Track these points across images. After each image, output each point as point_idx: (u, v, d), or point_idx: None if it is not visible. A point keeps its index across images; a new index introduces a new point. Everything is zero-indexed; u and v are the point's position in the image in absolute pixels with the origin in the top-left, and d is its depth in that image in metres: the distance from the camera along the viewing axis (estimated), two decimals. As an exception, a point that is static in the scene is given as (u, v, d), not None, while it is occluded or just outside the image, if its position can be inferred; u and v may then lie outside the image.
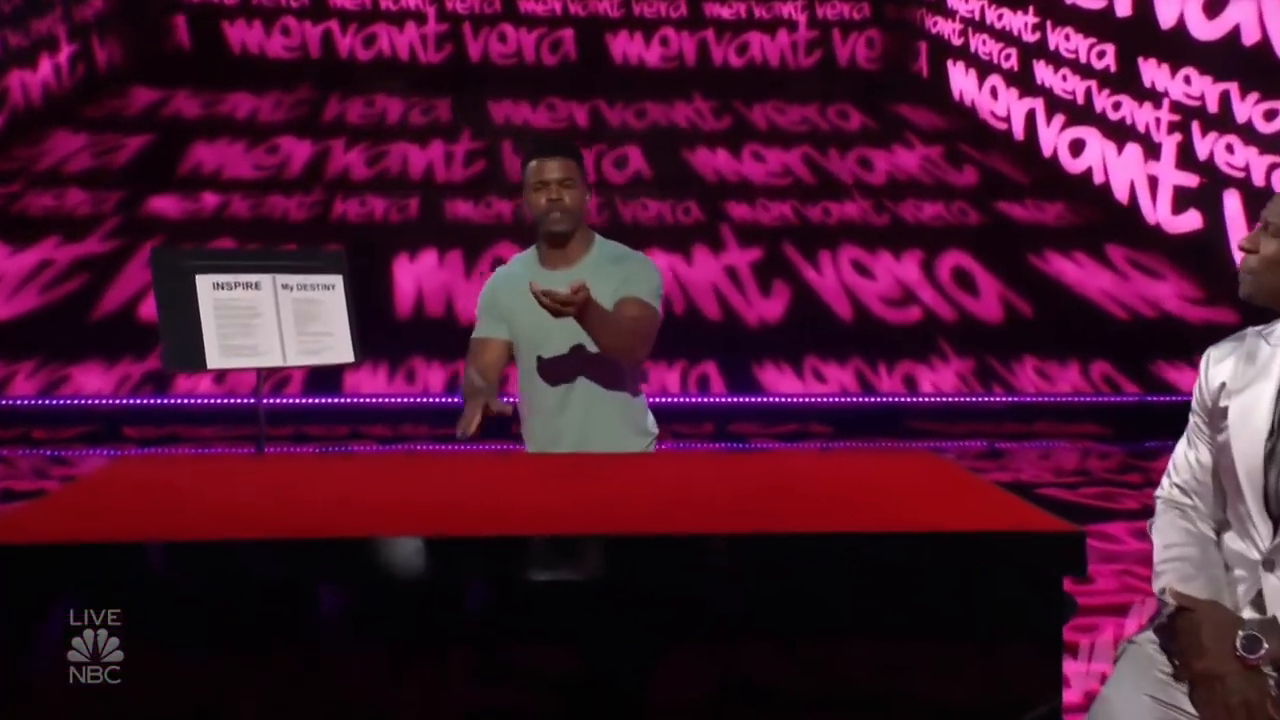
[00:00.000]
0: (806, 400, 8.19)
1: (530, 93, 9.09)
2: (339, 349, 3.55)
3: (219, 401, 7.83)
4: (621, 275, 3.04)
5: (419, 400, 8.04)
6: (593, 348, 2.98)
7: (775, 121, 9.09)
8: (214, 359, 3.32)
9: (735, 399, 8.22)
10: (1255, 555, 1.95)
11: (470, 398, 2.84)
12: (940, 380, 8.25)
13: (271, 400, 7.77)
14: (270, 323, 3.42)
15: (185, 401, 7.85)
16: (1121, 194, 8.62)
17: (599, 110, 9.07)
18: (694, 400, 8.20)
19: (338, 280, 3.59)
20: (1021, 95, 9.05)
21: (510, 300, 3.11)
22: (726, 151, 8.97)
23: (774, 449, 7.36)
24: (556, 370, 3.07)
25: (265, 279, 3.46)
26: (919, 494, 2.18)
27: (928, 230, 8.66)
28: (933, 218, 8.72)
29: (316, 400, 8.00)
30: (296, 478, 2.42)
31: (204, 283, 3.37)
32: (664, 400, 8.02)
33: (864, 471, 2.55)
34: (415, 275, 8.45)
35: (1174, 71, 8.30)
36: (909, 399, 8.16)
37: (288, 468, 2.76)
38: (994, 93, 9.19)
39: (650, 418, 3.21)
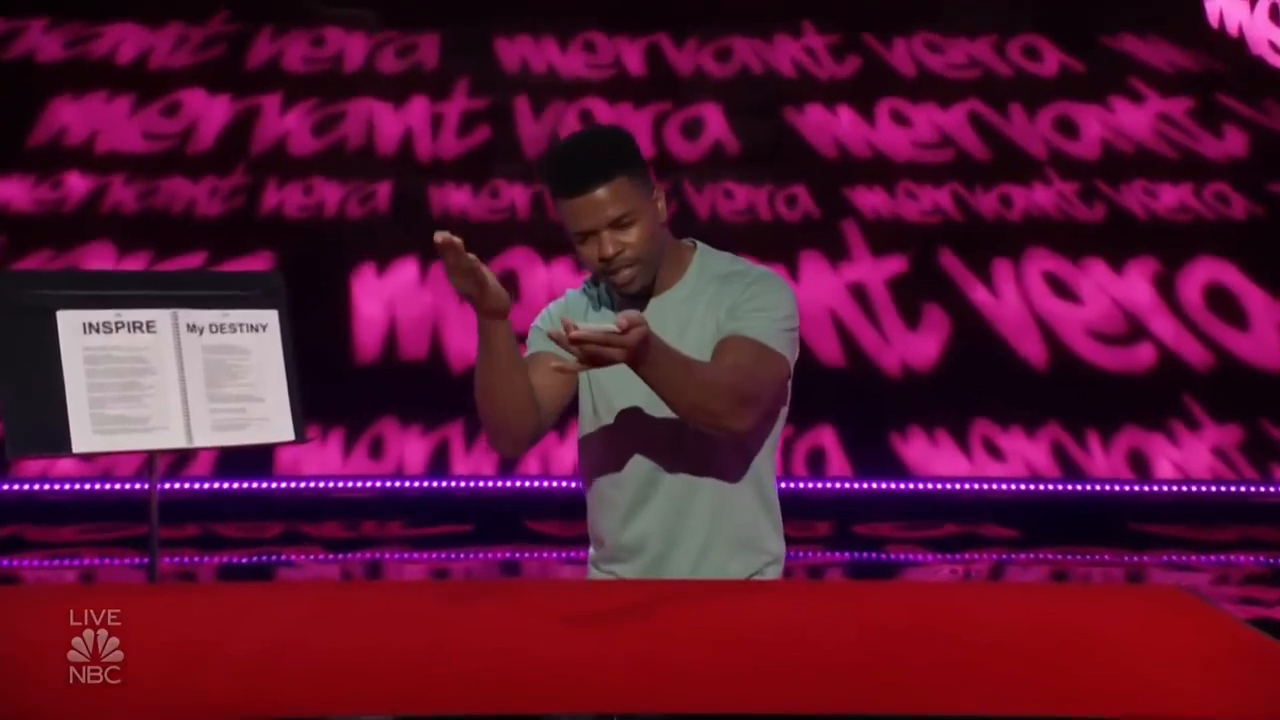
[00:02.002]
0: (975, 488, 8.10)
1: (557, 25, 9.13)
2: (272, 421, 3.53)
3: (88, 488, 7.86)
4: (729, 301, 3.05)
5: (389, 485, 8.03)
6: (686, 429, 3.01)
7: (926, 65, 9.05)
8: (82, 438, 3.30)
9: (864, 485, 8.16)
10: None
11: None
12: (1188, 459, 8.18)
13: (169, 485, 7.79)
14: (169, 383, 3.41)
15: (35, 488, 7.88)
16: None
17: (660, 51, 9.09)
18: (802, 486, 8.14)
19: (271, 317, 3.58)
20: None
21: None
22: (852, 111, 8.94)
23: (922, 564, 7.27)
24: (638, 443, 3.10)
25: (162, 317, 3.45)
26: (1160, 660, 2.13)
27: (1166, 229, 8.63)
28: (1174, 209, 8.66)
29: (237, 485, 8.01)
30: (197, 620, 2.44)
31: (68, 322, 3.35)
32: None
33: (1069, 616, 2.52)
34: (385, 298, 8.48)
35: None
36: (1137, 488, 8.08)
37: (176, 607, 2.77)
38: (1277, 12, 9.08)
39: (778, 527, 3.18)
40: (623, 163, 2.99)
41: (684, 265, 3.14)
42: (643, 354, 2.66)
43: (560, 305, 3.23)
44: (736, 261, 3.17)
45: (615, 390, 3.10)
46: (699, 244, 3.20)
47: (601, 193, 2.95)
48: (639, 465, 3.09)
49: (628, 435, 3.10)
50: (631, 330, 2.60)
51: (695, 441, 3.03)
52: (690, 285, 3.11)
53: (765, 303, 3.01)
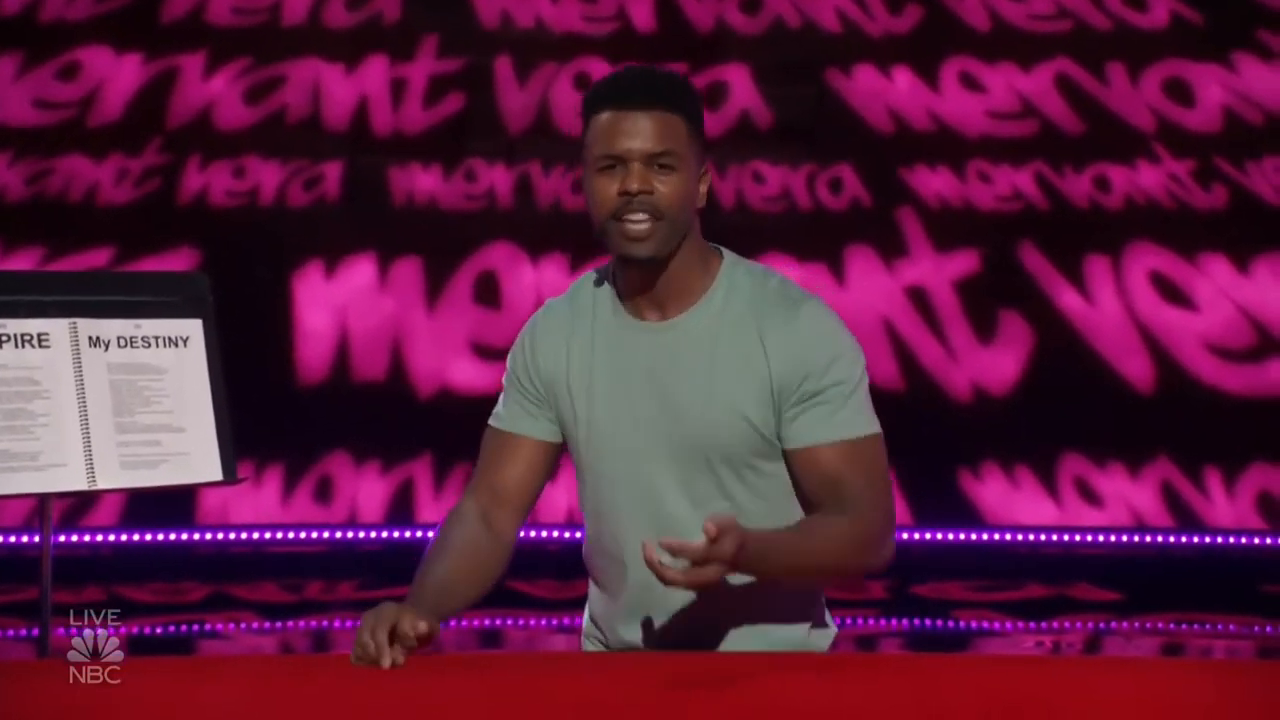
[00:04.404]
0: (1065, 540, 8.11)
1: (547, -34, 9.15)
2: (195, 457, 3.57)
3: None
4: (793, 361, 3.06)
5: (340, 536, 8.03)
6: (714, 485, 3.07)
7: (1004, 15, 9.05)
8: (-42, 478, 3.33)
9: (927, 535, 8.18)
10: None
11: (411, 592, 2.94)
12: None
13: (65, 538, 7.77)
14: (66, 410, 3.43)
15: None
16: None
17: (675, 2, 9.09)
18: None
19: (194, 329, 3.60)
20: None
21: (560, 367, 3.17)
22: (911, 74, 8.95)
23: (999, 633, 7.27)
24: (650, 506, 3.12)
25: (58, 328, 3.47)
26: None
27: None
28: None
29: (150, 537, 8.01)
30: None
31: (-59, 335, 3.39)
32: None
33: (1186, 701, 2.52)
34: (335, 305, 8.49)
35: None
36: (1269, 540, 8.07)
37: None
38: None
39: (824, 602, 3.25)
40: (690, 107, 3.08)
41: (710, 277, 3.15)
42: (745, 558, 2.73)
43: (535, 332, 3.24)
44: (770, 277, 3.19)
45: (615, 451, 3.12)
46: (725, 252, 3.21)
47: (656, 117, 3.02)
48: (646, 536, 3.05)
49: (632, 501, 3.13)
50: (724, 538, 2.68)
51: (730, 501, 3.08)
52: (717, 305, 3.12)
53: (841, 373, 3.08)
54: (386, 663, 2.72)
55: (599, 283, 3.22)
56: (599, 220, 3.06)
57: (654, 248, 3.03)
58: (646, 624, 3.14)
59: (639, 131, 3.01)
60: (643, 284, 3.11)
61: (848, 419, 3.04)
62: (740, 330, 3.08)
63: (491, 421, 3.24)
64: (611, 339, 3.11)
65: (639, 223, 3.01)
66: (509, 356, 3.26)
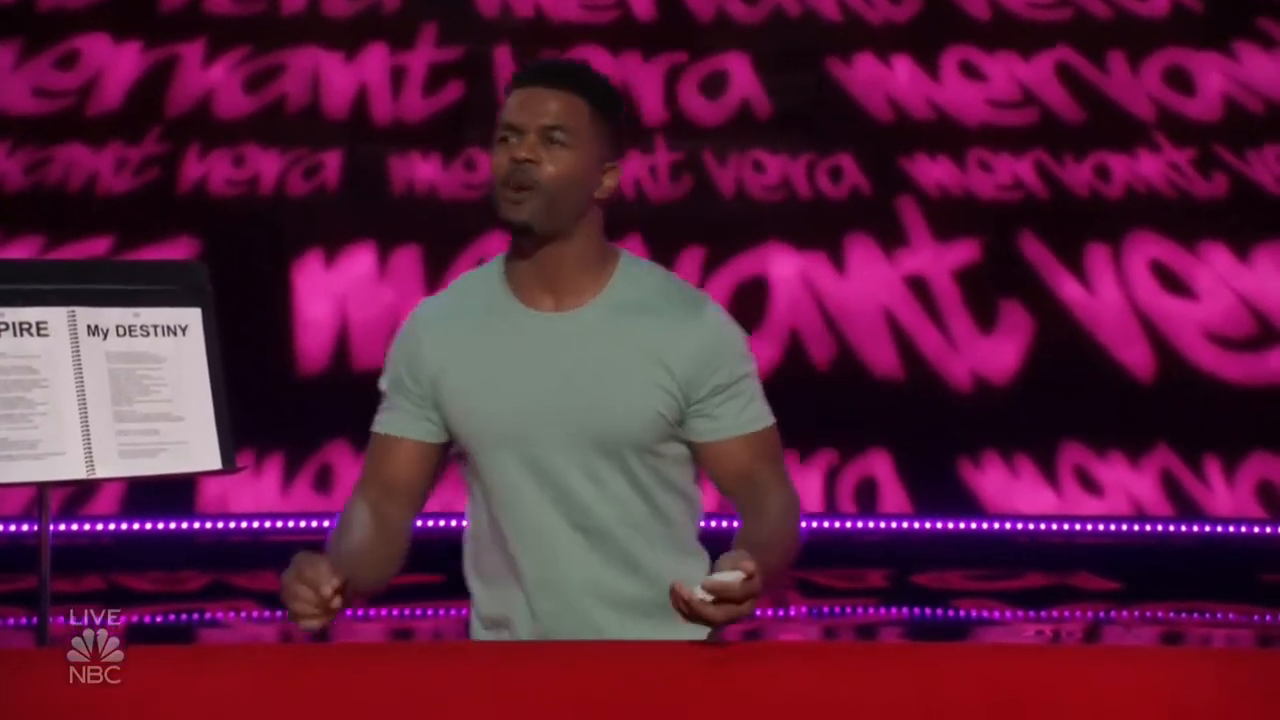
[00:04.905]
0: (1065, 529, 8.11)
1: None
2: (194, 446, 3.57)
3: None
4: (703, 356, 3.10)
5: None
6: (618, 468, 3.10)
7: (1003, 4, 9.04)
8: (-44, 466, 3.34)
9: (927, 524, 8.18)
10: None
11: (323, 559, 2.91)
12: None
13: (64, 527, 7.78)
14: (65, 399, 3.43)
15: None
16: None
17: (675, -12, 9.09)
18: (850, 525, 8.14)
19: (193, 317, 3.60)
20: None
21: (445, 364, 3.17)
22: (911, 62, 8.94)
23: (999, 622, 7.27)
24: (535, 511, 3.13)
25: (56, 316, 3.47)
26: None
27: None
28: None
29: (150, 526, 8.01)
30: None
31: (-60, 323, 3.39)
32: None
33: (1185, 691, 2.52)
34: (335, 294, 8.49)
35: None
36: (1269, 529, 8.08)
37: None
38: None
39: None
40: (597, 94, 3.14)
41: (608, 272, 3.17)
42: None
43: (415, 332, 3.24)
44: (669, 276, 3.24)
45: (507, 449, 3.12)
46: (624, 251, 3.24)
47: (558, 95, 3.09)
48: (543, 537, 3.14)
49: (524, 504, 3.14)
50: (755, 579, 2.71)
51: (618, 501, 3.12)
52: (619, 298, 3.14)
53: (747, 366, 3.17)
54: (327, 590, 2.73)
55: (485, 277, 3.23)
56: (491, 189, 3.10)
57: (530, 213, 3.04)
58: (544, 615, 3.15)
59: (536, 104, 3.07)
60: (536, 267, 3.12)
61: (758, 411, 3.13)
62: (644, 324, 3.10)
63: (374, 428, 3.24)
64: (504, 329, 3.11)
65: (518, 194, 3.05)
66: (387, 360, 3.26)
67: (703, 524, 3.28)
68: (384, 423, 3.23)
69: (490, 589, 3.22)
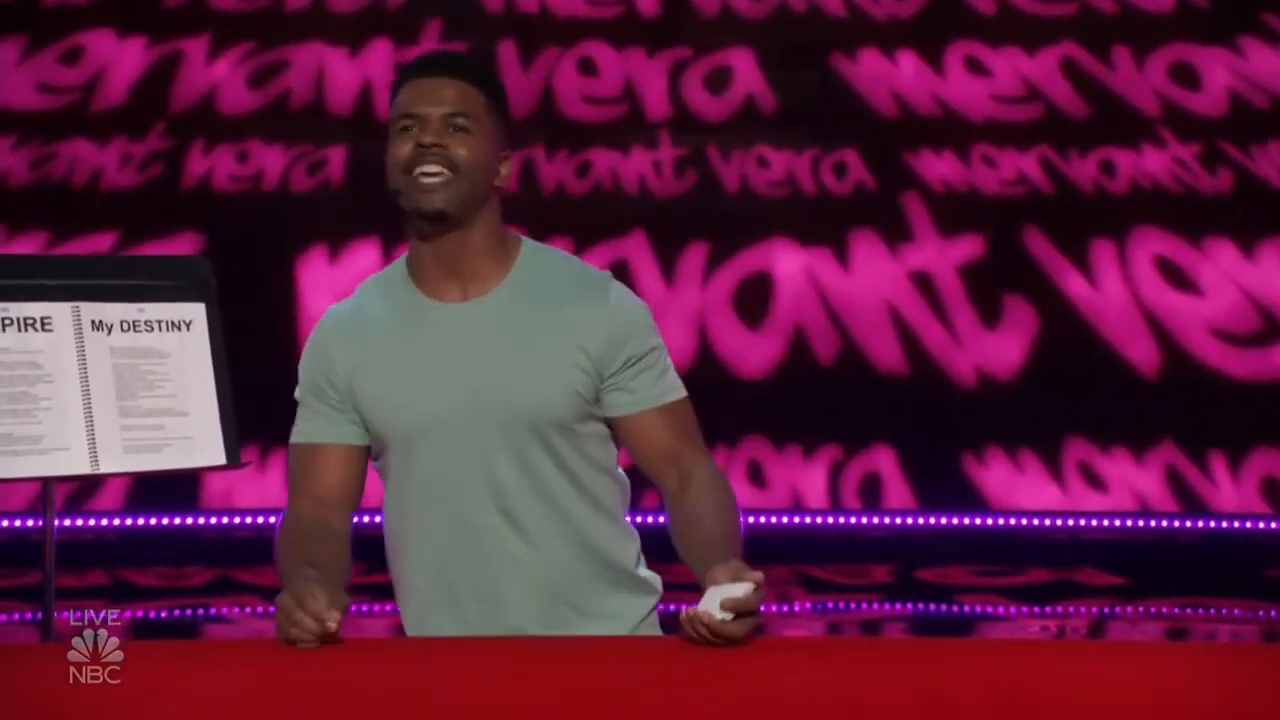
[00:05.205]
0: (1070, 524, 8.11)
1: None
2: (198, 442, 3.56)
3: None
4: (613, 332, 3.17)
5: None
6: (543, 449, 3.14)
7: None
8: (-41, 461, 3.33)
9: (931, 520, 8.18)
10: None
11: (294, 578, 2.91)
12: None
13: (69, 522, 7.78)
14: (69, 394, 3.42)
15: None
16: None
17: (679, -18, 9.09)
18: (854, 521, 8.14)
19: (197, 313, 3.60)
20: None
21: (356, 365, 3.20)
22: (916, 58, 8.94)
23: (1003, 618, 7.26)
24: (463, 498, 3.15)
25: (61, 311, 3.46)
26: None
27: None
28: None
29: (154, 521, 8.01)
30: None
31: (-57, 319, 3.39)
32: (800, 521, 7.94)
33: (1190, 687, 2.52)
34: (339, 289, 8.44)
35: None
36: (1274, 525, 8.08)
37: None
38: None
39: (641, 562, 3.32)
40: (490, 83, 3.20)
41: (510, 259, 3.20)
42: None
43: (325, 337, 3.27)
44: (570, 258, 3.29)
45: (422, 445, 3.15)
46: (524, 239, 3.26)
47: (454, 84, 3.14)
48: (464, 529, 3.17)
49: (442, 494, 3.17)
50: (763, 585, 2.74)
51: (534, 490, 3.15)
52: (525, 283, 3.18)
53: (655, 339, 3.23)
54: (333, 625, 2.72)
55: (387, 279, 3.26)
56: (394, 180, 3.12)
57: (446, 199, 3.08)
58: (463, 609, 3.17)
59: (435, 93, 3.11)
60: (441, 259, 3.15)
61: (671, 383, 3.21)
62: (552, 306, 3.15)
63: (295, 439, 3.26)
64: (414, 324, 3.14)
65: (432, 175, 3.07)
66: (300, 369, 3.29)
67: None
68: (306, 431, 3.26)
69: (413, 581, 3.24)
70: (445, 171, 3.07)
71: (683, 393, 3.21)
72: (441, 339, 3.11)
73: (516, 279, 3.18)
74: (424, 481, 3.17)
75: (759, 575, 2.74)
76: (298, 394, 3.29)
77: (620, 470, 3.28)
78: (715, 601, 2.68)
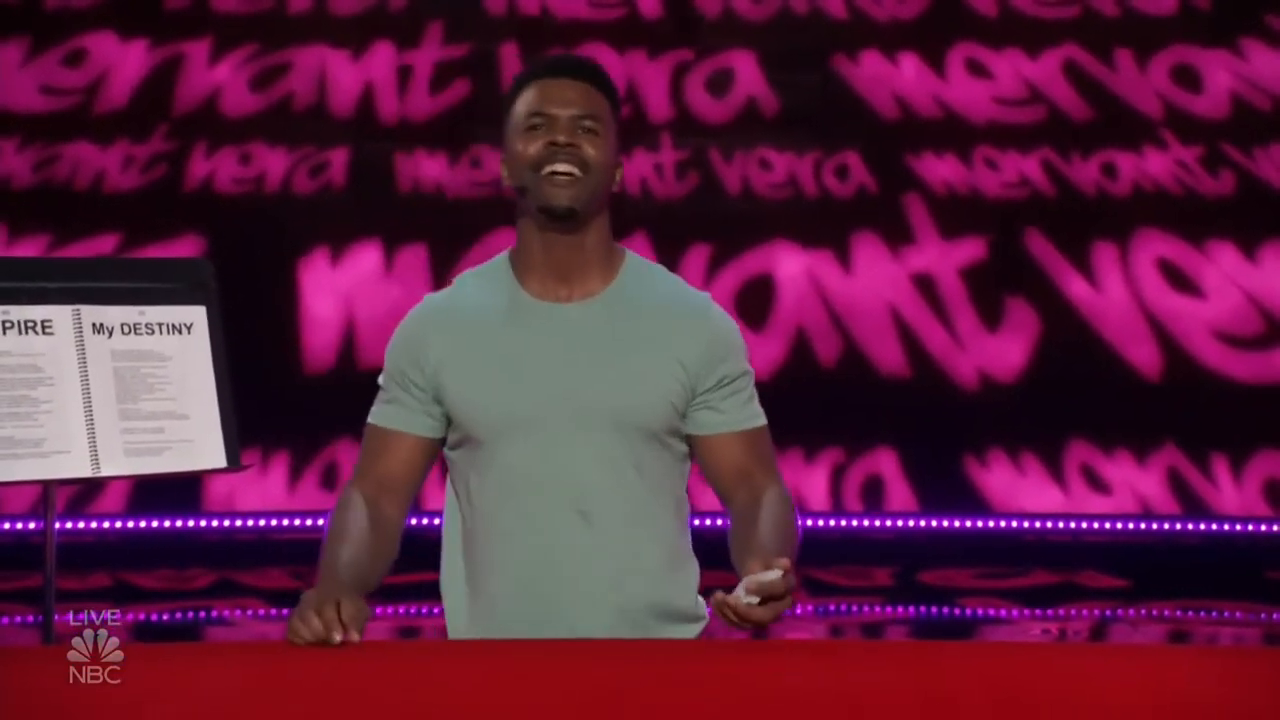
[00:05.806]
0: (1072, 527, 8.10)
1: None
2: (199, 444, 3.56)
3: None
4: (711, 350, 3.19)
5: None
6: (628, 455, 3.15)
7: (1010, 1, 9.03)
8: (-40, 464, 3.32)
9: (933, 522, 8.18)
10: None
11: (326, 577, 2.96)
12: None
13: (70, 525, 7.78)
14: (70, 397, 3.42)
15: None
16: None
17: (683, -14, 9.09)
18: (856, 524, 8.14)
19: (198, 316, 3.59)
20: None
21: (449, 357, 3.19)
22: (918, 60, 8.94)
23: (1005, 621, 7.26)
24: (542, 496, 3.15)
25: (61, 314, 3.46)
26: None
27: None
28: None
29: (155, 524, 8.01)
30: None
31: (-56, 321, 3.38)
32: (802, 523, 7.96)
33: (1191, 690, 2.52)
34: (341, 292, 8.48)
35: None
36: (1276, 527, 8.06)
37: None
38: None
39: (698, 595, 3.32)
40: (612, 90, 3.24)
41: (616, 266, 3.24)
42: None
43: (419, 326, 3.27)
44: (674, 279, 3.33)
45: (511, 443, 3.15)
46: (628, 250, 3.30)
47: (581, 86, 3.18)
48: (542, 531, 3.17)
49: (525, 496, 3.16)
50: (792, 572, 2.78)
51: (617, 497, 3.15)
52: (630, 290, 3.22)
53: (748, 364, 3.27)
54: (339, 638, 2.71)
55: (489, 273, 3.28)
56: (521, 177, 3.14)
57: (574, 196, 3.10)
58: (543, 610, 3.16)
59: (568, 94, 3.15)
60: (555, 255, 3.18)
61: (756, 410, 3.25)
62: (654, 316, 3.18)
63: (372, 420, 3.28)
64: (514, 319, 3.16)
65: (565, 172, 3.10)
66: (387, 354, 3.29)
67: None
68: (384, 415, 3.27)
69: (477, 591, 3.22)
70: (576, 171, 3.10)
71: (765, 420, 3.26)
72: (542, 336, 3.13)
73: (621, 286, 3.21)
74: (503, 477, 3.17)
75: (785, 561, 2.76)
76: (381, 379, 3.30)
77: (687, 496, 3.30)
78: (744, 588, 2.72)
